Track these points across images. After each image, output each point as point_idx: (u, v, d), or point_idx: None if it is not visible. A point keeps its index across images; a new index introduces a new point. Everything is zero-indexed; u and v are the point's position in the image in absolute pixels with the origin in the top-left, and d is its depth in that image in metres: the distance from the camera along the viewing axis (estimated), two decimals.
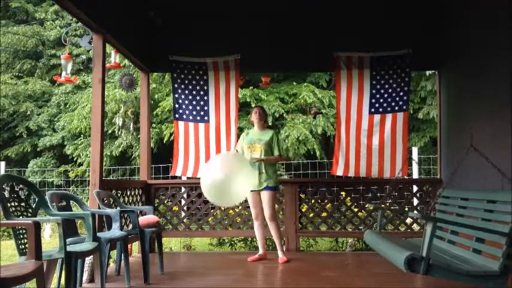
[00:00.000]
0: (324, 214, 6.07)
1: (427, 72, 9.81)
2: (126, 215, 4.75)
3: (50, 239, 8.69)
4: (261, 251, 5.31)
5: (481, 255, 3.08)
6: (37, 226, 2.56)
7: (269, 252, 5.49)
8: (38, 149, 14.26)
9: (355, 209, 5.98)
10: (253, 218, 5.30)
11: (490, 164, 3.44)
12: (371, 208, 5.71)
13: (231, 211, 6.26)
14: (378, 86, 5.90)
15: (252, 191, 5.12)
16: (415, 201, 6.14)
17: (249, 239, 6.74)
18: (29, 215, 3.12)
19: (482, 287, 2.84)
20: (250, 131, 5.38)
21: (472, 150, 3.48)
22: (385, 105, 5.89)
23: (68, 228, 3.34)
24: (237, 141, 6.03)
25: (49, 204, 3.34)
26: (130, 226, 4.53)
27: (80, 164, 12.59)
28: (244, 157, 5.13)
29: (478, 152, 3.48)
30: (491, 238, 2.99)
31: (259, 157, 5.11)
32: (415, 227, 6.06)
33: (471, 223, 3.36)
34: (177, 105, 6.07)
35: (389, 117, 5.86)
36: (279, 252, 5.23)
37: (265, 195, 5.14)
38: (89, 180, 4.64)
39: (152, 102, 10.70)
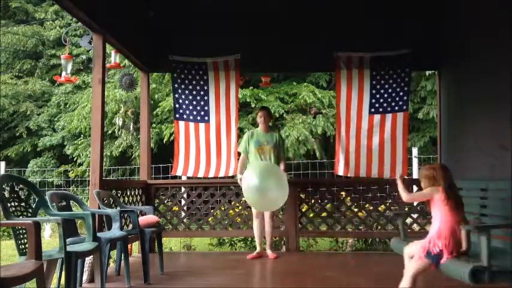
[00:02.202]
0: (324, 214, 6.07)
1: (427, 72, 9.82)
2: (126, 215, 4.75)
3: (50, 239, 8.69)
4: (258, 249, 5.35)
5: None
6: (37, 226, 2.56)
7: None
8: (38, 149, 14.26)
9: (355, 209, 5.98)
10: (254, 215, 5.32)
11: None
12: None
13: (231, 211, 6.26)
14: (378, 86, 5.90)
15: None
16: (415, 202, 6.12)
17: (249, 239, 6.74)
18: (29, 215, 3.12)
19: None
20: (255, 132, 5.39)
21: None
22: (385, 105, 5.89)
23: (68, 228, 3.34)
24: (238, 141, 6.04)
25: (49, 204, 3.33)
26: (131, 226, 4.54)
27: (80, 164, 12.59)
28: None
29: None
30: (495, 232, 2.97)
31: (271, 159, 5.23)
32: (415, 227, 6.06)
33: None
34: (177, 105, 6.07)
35: (389, 117, 5.86)
36: (269, 250, 5.32)
37: None
38: (89, 180, 4.64)
39: (152, 102, 10.70)
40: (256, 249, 5.42)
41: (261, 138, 5.28)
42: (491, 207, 3.60)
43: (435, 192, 3.16)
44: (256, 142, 5.25)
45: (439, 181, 3.20)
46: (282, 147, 5.36)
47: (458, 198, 3.23)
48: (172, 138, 9.45)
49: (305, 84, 11.46)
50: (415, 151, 8.47)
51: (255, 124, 5.51)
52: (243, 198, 5.91)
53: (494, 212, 3.43)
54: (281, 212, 6.00)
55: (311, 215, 6.07)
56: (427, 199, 3.25)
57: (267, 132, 5.33)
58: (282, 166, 5.26)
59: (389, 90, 5.88)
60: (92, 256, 3.54)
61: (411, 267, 3.11)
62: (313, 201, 6.05)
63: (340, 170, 5.90)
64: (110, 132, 11.99)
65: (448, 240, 3.03)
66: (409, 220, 6.00)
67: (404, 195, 3.36)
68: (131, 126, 11.69)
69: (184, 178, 6.58)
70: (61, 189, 10.93)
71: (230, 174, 5.94)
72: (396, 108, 5.86)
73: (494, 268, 2.75)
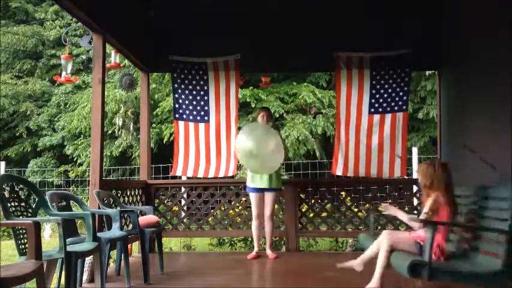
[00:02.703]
0: (324, 214, 6.07)
1: (427, 72, 9.81)
2: (126, 215, 4.75)
3: (50, 239, 8.69)
4: (256, 249, 5.36)
5: (480, 253, 3.08)
6: (37, 226, 2.56)
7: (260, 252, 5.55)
8: (38, 149, 14.25)
9: (355, 209, 5.98)
10: (254, 216, 5.31)
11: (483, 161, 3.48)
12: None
13: (231, 211, 6.26)
14: (378, 86, 5.90)
15: (257, 189, 5.19)
16: (415, 201, 6.13)
17: (249, 239, 6.73)
18: (29, 215, 3.12)
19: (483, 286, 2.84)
20: None
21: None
22: (384, 105, 5.89)
23: (68, 228, 3.34)
24: None
25: (49, 204, 3.33)
26: (131, 226, 4.54)
27: (80, 164, 12.59)
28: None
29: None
30: (491, 236, 3.00)
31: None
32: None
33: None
34: (177, 105, 6.07)
35: (389, 117, 5.86)
36: (269, 250, 5.33)
37: (270, 196, 5.25)
38: (89, 180, 4.64)
39: (152, 102, 10.70)
40: (254, 249, 5.41)
41: None
42: (490, 209, 3.59)
43: (438, 200, 3.17)
44: None
45: (438, 181, 3.20)
46: None
47: (454, 202, 3.25)
48: (172, 138, 9.44)
49: (305, 84, 11.46)
50: (415, 151, 8.47)
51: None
52: (243, 198, 5.92)
53: (494, 215, 3.43)
54: (281, 212, 6.00)
55: (311, 215, 6.07)
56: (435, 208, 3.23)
57: None
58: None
59: (389, 90, 5.88)
60: (92, 256, 3.54)
61: (382, 259, 3.12)
62: (313, 201, 6.05)
63: (339, 170, 5.90)
64: (110, 132, 11.99)
65: (442, 243, 3.05)
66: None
67: (416, 225, 3.28)
68: (131, 126, 11.69)
69: (184, 178, 6.58)
70: (61, 189, 10.93)
71: (230, 174, 5.95)
72: (396, 108, 5.87)
73: (434, 265, 2.76)
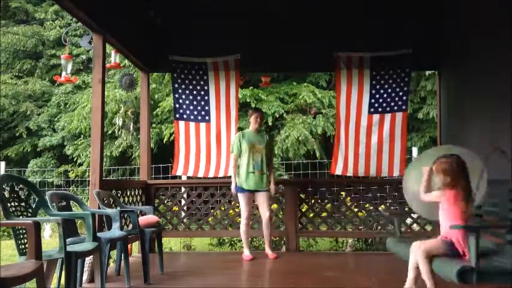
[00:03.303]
0: (324, 214, 6.07)
1: (427, 72, 9.82)
2: (126, 215, 4.75)
3: (50, 239, 8.68)
4: (248, 251, 5.33)
5: None
6: (37, 226, 2.56)
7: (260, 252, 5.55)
8: (38, 149, 14.25)
9: (355, 209, 5.98)
10: (244, 218, 5.23)
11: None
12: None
13: (231, 211, 6.25)
14: (378, 86, 5.90)
15: (248, 190, 5.18)
16: None
17: (249, 239, 6.73)
18: (29, 215, 3.12)
19: None
20: (246, 132, 5.41)
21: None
22: (384, 105, 5.89)
23: (68, 228, 3.34)
24: None
25: (49, 204, 3.33)
26: (131, 226, 4.54)
27: (80, 164, 12.59)
28: None
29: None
30: None
31: (262, 158, 5.23)
32: (415, 227, 6.06)
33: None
34: (177, 105, 6.07)
35: (388, 117, 5.86)
36: (269, 250, 5.32)
37: (264, 196, 5.22)
38: (89, 180, 4.64)
39: (152, 102, 10.70)
40: (245, 252, 5.35)
41: (253, 138, 5.30)
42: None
43: (442, 197, 3.14)
44: (249, 142, 5.26)
45: (457, 178, 3.14)
46: (271, 148, 5.48)
47: (471, 199, 3.20)
48: (172, 138, 9.45)
49: (305, 84, 11.46)
50: (415, 151, 8.48)
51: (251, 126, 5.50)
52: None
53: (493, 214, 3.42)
54: (281, 212, 6.00)
55: (311, 215, 6.07)
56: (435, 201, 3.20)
57: (257, 133, 5.36)
58: (270, 164, 5.34)
59: (389, 90, 5.88)
60: (92, 256, 3.54)
61: (425, 269, 3.06)
62: (313, 201, 6.05)
63: (338, 170, 5.90)
64: (110, 132, 11.99)
65: (465, 242, 3.01)
66: (409, 220, 6.00)
67: (422, 191, 3.27)
68: (131, 126, 11.70)
69: (184, 178, 6.58)
70: (61, 189, 10.93)
71: (230, 174, 5.93)
72: (396, 108, 5.87)
73: (482, 269, 2.75)
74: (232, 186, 5.29)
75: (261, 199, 5.23)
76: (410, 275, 3.12)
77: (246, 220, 5.26)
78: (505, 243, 3.05)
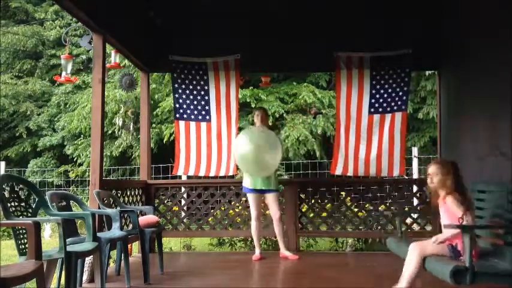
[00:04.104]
0: (324, 214, 6.07)
1: (427, 72, 9.81)
2: (126, 215, 4.75)
3: (50, 239, 8.69)
4: (258, 250, 5.34)
5: None
6: (37, 226, 2.56)
7: (272, 252, 5.52)
8: (38, 149, 14.25)
9: (355, 209, 5.98)
10: (253, 218, 5.28)
11: None
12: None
13: (231, 211, 6.26)
14: (378, 86, 5.90)
15: (256, 190, 5.17)
16: (415, 201, 6.14)
17: (249, 239, 6.72)
18: (29, 215, 3.12)
19: None
20: None
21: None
22: (384, 105, 5.89)
23: (68, 228, 3.34)
24: None
25: (49, 204, 3.33)
26: (131, 226, 4.54)
27: (80, 164, 12.59)
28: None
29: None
30: None
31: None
32: (415, 227, 6.06)
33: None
34: (177, 105, 6.07)
35: (388, 117, 5.86)
36: (286, 251, 5.31)
37: (272, 197, 5.23)
38: (89, 180, 4.64)
39: (152, 102, 10.70)
40: (256, 250, 5.38)
41: None
42: (488, 209, 3.59)
43: (442, 199, 3.15)
44: None
45: (453, 181, 3.15)
46: None
47: (469, 200, 3.21)
48: (172, 138, 9.45)
49: (305, 84, 11.45)
50: (415, 151, 8.47)
51: (254, 124, 5.50)
52: (243, 198, 5.91)
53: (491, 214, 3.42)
54: (282, 212, 5.99)
55: (311, 215, 6.07)
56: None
57: None
58: None
59: (389, 90, 5.88)
60: (92, 256, 3.54)
61: (411, 267, 3.09)
62: (313, 201, 6.05)
63: (338, 170, 5.90)
64: (110, 132, 11.99)
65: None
66: (409, 220, 6.01)
67: (455, 232, 3.08)
68: (131, 126, 11.69)
69: (184, 178, 6.58)
70: (61, 189, 10.93)
71: (230, 173, 5.96)
72: (395, 108, 5.87)
73: (476, 269, 2.75)
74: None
75: (270, 200, 5.23)
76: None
77: (254, 221, 5.28)
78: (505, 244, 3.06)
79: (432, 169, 3.27)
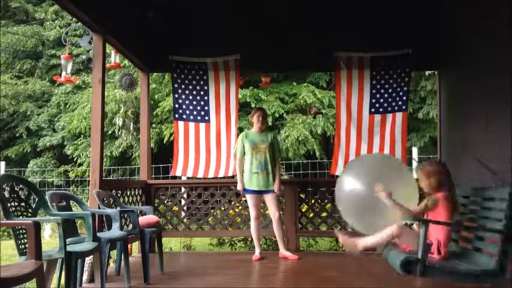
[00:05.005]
0: (324, 214, 6.07)
1: (427, 72, 9.81)
2: (126, 215, 4.75)
3: (50, 239, 8.68)
4: (258, 250, 5.34)
5: (482, 252, 3.08)
6: (37, 226, 2.56)
7: (272, 252, 5.52)
8: (38, 149, 14.25)
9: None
10: (253, 218, 5.28)
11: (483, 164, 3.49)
12: None
13: (231, 211, 6.25)
14: (378, 86, 5.90)
15: (255, 191, 5.17)
16: None
17: (249, 239, 6.73)
18: (29, 215, 3.12)
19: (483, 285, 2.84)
20: (249, 132, 5.39)
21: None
22: (385, 105, 5.89)
23: (68, 228, 3.34)
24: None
25: (49, 204, 3.34)
26: (131, 226, 4.54)
27: (80, 164, 12.59)
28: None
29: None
30: (488, 236, 3.00)
31: (266, 159, 5.18)
32: (415, 226, 6.05)
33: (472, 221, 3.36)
34: (177, 105, 6.07)
35: (389, 117, 5.86)
36: (286, 251, 5.32)
37: (271, 197, 5.23)
38: (89, 180, 4.65)
39: (152, 102, 10.70)
40: (256, 250, 5.38)
41: (256, 138, 5.28)
42: (490, 210, 3.60)
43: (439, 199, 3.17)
44: (251, 142, 5.25)
45: (440, 182, 3.20)
46: (277, 146, 5.38)
47: (457, 202, 3.24)
48: (172, 138, 9.44)
49: (305, 84, 11.46)
50: (415, 151, 8.47)
51: (252, 125, 5.50)
52: (243, 198, 5.90)
53: (493, 215, 3.43)
54: (281, 212, 5.98)
55: (311, 215, 6.07)
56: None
57: (261, 132, 5.34)
58: (276, 163, 5.29)
59: (390, 90, 5.88)
60: (92, 256, 3.55)
61: (385, 232, 3.16)
62: (313, 201, 6.05)
63: (339, 170, 5.89)
64: (110, 132, 12.00)
65: (443, 242, 3.04)
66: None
67: (410, 214, 3.25)
68: (131, 126, 11.69)
69: (184, 178, 6.57)
70: (61, 189, 10.93)
71: (230, 174, 5.94)
72: (396, 108, 5.87)
73: (428, 262, 2.78)
74: (238, 187, 5.31)
75: (269, 200, 5.24)
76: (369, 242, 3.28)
77: (253, 221, 5.28)
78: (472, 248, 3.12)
79: (418, 175, 3.38)
